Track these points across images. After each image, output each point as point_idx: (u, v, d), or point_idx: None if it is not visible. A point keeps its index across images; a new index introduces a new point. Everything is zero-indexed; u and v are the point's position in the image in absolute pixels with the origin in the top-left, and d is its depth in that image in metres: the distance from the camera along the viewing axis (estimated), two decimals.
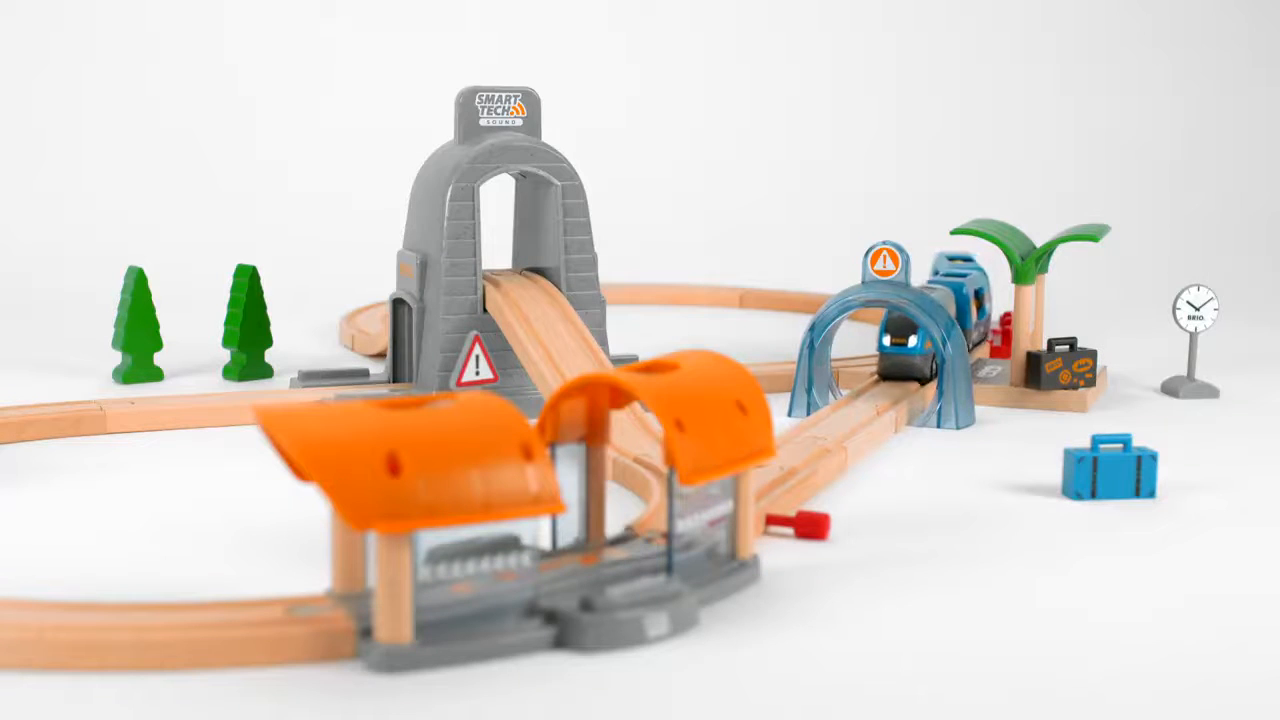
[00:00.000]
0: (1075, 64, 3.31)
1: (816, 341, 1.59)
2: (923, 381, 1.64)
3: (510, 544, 0.94)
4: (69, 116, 2.83)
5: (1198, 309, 1.73)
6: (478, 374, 1.58)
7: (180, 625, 0.89)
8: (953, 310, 1.73)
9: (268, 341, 1.77)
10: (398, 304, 1.66)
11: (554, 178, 1.62)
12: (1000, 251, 1.69)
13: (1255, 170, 3.23)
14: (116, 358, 1.77)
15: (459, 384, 1.57)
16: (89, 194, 2.72)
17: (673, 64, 3.10)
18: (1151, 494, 1.30)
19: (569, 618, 0.93)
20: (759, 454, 1.04)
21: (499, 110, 1.63)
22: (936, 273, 1.95)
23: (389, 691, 0.86)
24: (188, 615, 0.91)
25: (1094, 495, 1.30)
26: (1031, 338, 1.71)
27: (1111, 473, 1.29)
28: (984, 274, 1.93)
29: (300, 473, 0.91)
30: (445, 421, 0.91)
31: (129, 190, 2.74)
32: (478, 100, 1.62)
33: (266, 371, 1.77)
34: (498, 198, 1.76)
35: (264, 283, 1.78)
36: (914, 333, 1.62)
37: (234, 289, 1.76)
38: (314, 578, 0.99)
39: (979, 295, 1.89)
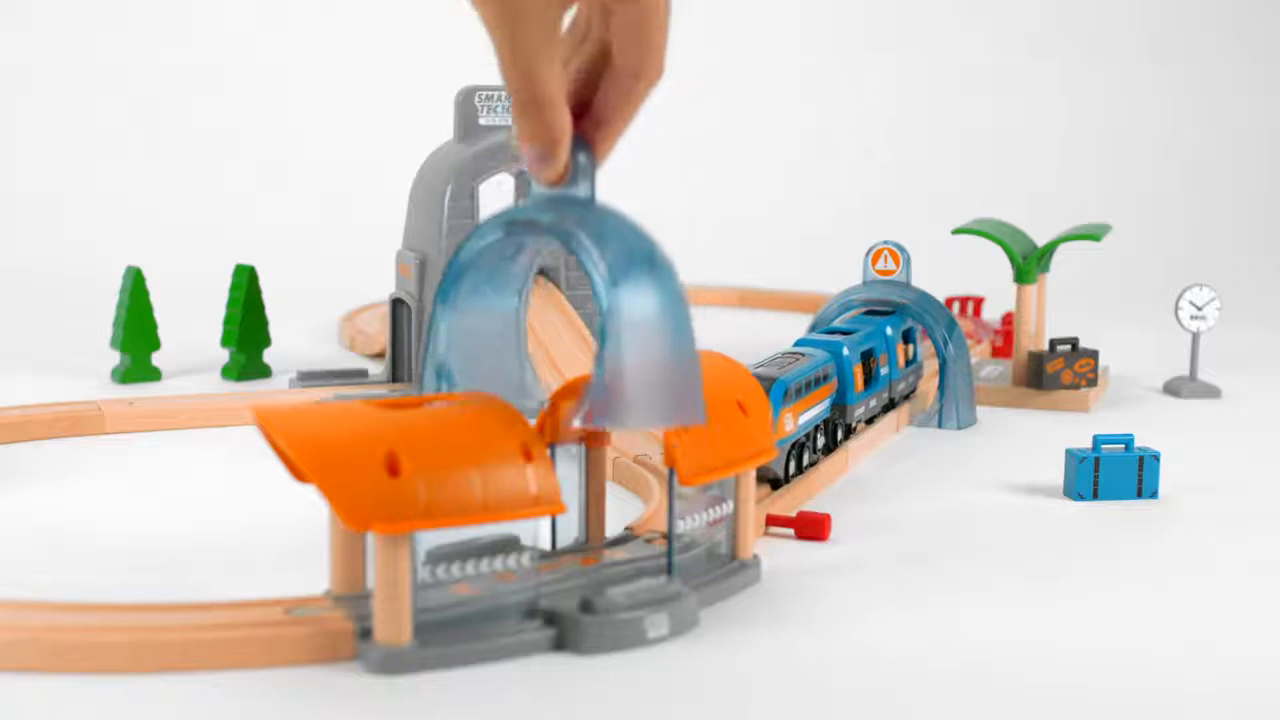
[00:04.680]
0: (1076, 64, 3.31)
1: None
2: (775, 484, 1.25)
3: (510, 545, 0.93)
4: (69, 116, 2.83)
5: (1200, 309, 1.73)
6: None
7: (179, 626, 0.89)
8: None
9: (266, 341, 1.77)
10: (397, 304, 1.65)
11: None
12: (1002, 251, 1.69)
13: (1256, 170, 3.22)
14: (115, 358, 1.77)
15: None
16: (89, 194, 2.72)
17: (673, 64, 3.09)
18: (1154, 495, 1.30)
19: (569, 619, 0.92)
20: (759, 454, 1.04)
21: (498, 109, 1.63)
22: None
23: (388, 692, 0.86)
24: (186, 616, 0.91)
25: (1096, 496, 1.29)
26: (1033, 338, 1.70)
27: (1113, 473, 1.29)
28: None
29: (299, 473, 0.91)
30: (445, 422, 0.90)
31: (129, 190, 2.74)
32: (477, 99, 1.62)
33: (265, 371, 1.77)
34: (498, 198, 1.76)
35: (263, 283, 1.78)
36: None
37: (233, 289, 1.76)
38: (313, 578, 0.99)
39: (909, 337, 1.59)
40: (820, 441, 1.35)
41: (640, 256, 0.92)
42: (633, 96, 0.92)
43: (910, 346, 1.58)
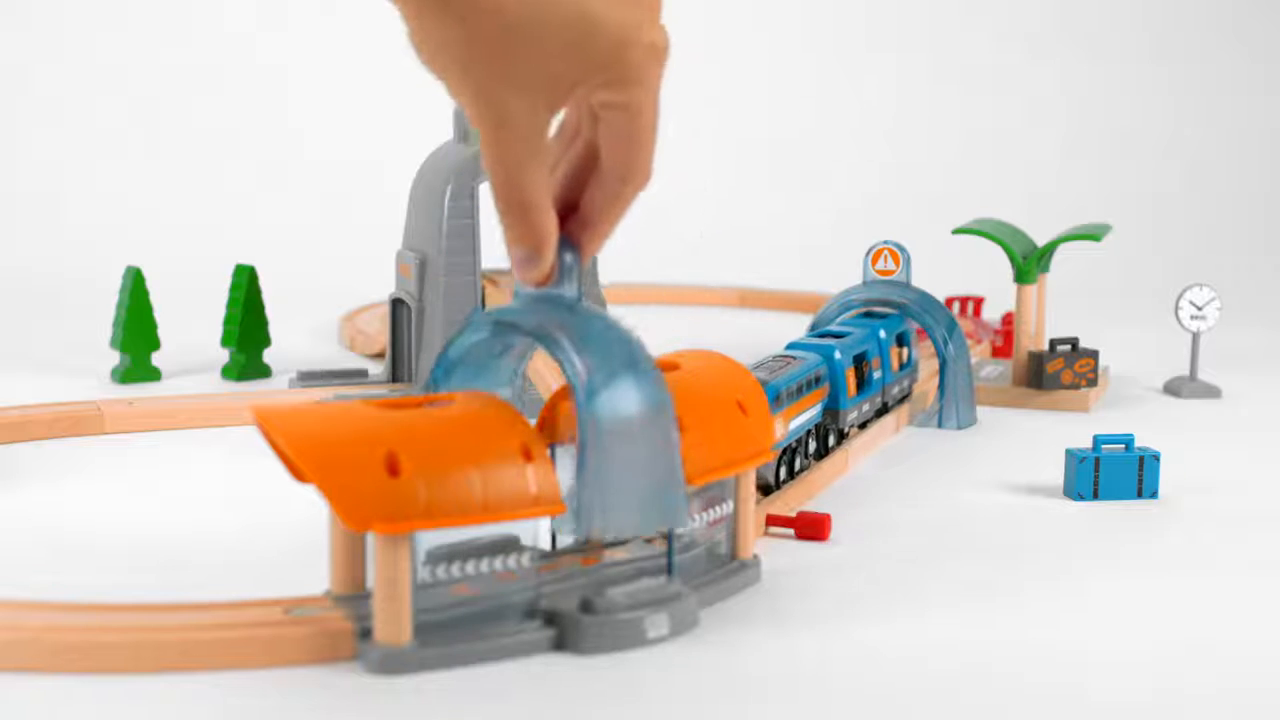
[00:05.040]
0: (1076, 64, 3.30)
1: None
2: (766, 491, 1.23)
3: (510, 545, 0.93)
4: (69, 116, 2.82)
5: (1200, 308, 1.73)
6: None
7: (178, 626, 0.89)
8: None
9: (266, 341, 1.77)
10: (397, 304, 1.65)
11: None
12: (1002, 251, 1.69)
13: (1256, 170, 3.22)
14: (115, 358, 1.77)
15: None
16: (89, 194, 2.72)
17: (672, 63, 3.09)
18: (1154, 495, 1.30)
19: (569, 619, 0.92)
20: (759, 454, 1.04)
21: None
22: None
23: (387, 693, 0.86)
24: (186, 616, 0.91)
25: (1096, 496, 1.29)
26: (1033, 338, 1.70)
27: (1113, 473, 1.29)
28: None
29: (298, 473, 0.91)
30: (445, 422, 0.90)
31: (129, 190, 2.74)
32: None
33: (265, 371, 1.77)
34: None
35: (264, 283, 1.78)
36: None
37: (232, 289, 1.76)
38: (313, 578, 0.99)
39: (903, 340, 1.55)
40: (812, 447, 1.32)
41: (622, 362, 0.93)
42: (619, 200, 0.93)
43: (904, 350, 1.55)
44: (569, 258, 0.94)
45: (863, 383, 1.42)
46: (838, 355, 1.36)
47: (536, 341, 0.94)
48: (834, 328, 1.48)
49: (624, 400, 0.92)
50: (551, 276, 0.94)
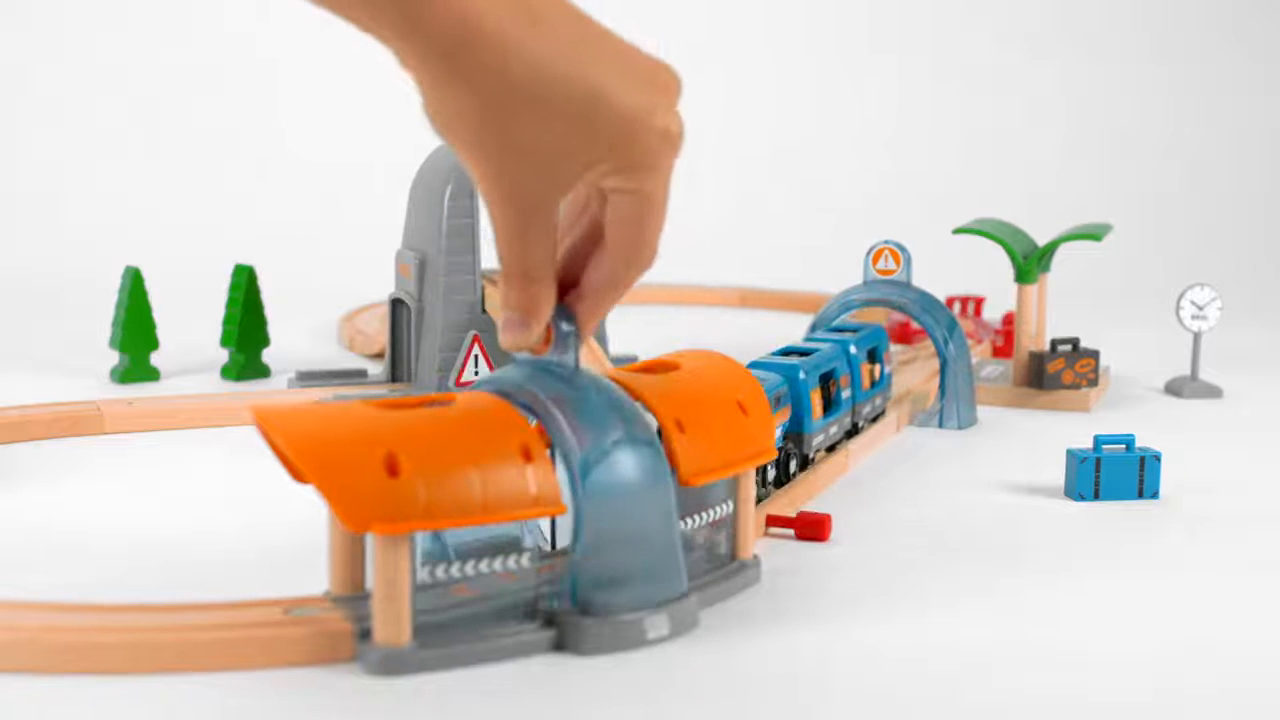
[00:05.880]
0: (1076, 64, 3.31)
1: None
2: None
3: (510, 545, 0.93)
4: (69, 116, 2.82)
5: (1201, 308, 1.73)
6: (476, 374, 1.57)
7: (176, 626, 0.89)
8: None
9: (265, 341, 1.77)
10: (396, 304, 1.65)
11: None
12: (1002, 251, 1.68)
13: (1256, 170, 3.22)
14: (114, 358, 1.77)
15: (458, 384, 1.56)
16: (89, 194, 2.72)
17: (673, 63, 3.09)
18: (1155, 495, 1.30)
19: (569, 620, 0.92)
20: (760, 454, 1.04)
21: None
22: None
23: (387, 693, 0.86)
24: (184, 616, 0.91)
25: (1097, 496, 1.29)
26: (1034, 338, 1.70)
27: (1114, 474, 1.29)
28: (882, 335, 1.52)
29: (298, 474, 0.91)
30: (444, 422, 0.90)
31: (129, 190, 2.74)
32: None
33: (264, 371, 1.77)
34: None
35: (263, 283, 1.78)
36: None
37: (232, 289, 1.76)
38: (313, 578, 0.99)
39: (874, 356, 1.48)
40: (771, 474, 1.24)
41: (617, 437, 0.93)
42: (621, 282, 0.93)
43: (877, 366, 1.47)
44: (566, 326, 0.94)
45: (830, 403, 1.34)
46: (802, 375, 1.27)
47: (529, 414, 0.93)
48: (802, 345, 1.39)
49: (620, 475, 0.92)
50: (545, 347, 0.94)
